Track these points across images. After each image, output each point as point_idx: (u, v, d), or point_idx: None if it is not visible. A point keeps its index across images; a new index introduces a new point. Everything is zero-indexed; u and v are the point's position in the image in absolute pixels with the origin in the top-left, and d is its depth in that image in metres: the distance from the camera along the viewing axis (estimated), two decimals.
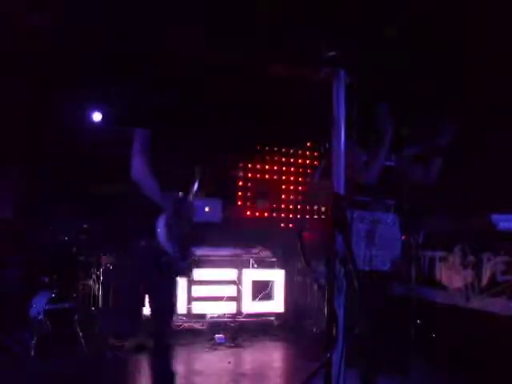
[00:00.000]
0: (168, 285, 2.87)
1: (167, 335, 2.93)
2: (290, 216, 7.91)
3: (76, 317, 4.76)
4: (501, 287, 4.53)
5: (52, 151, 5.96)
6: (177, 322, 5.60)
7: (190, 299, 5.75)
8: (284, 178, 7.98)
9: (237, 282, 6.00)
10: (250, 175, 7.72)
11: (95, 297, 5.29)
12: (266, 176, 7.85)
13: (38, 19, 4.37)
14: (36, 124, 5.89)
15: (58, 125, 6.05)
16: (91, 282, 5.28)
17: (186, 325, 5.77)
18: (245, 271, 6.08)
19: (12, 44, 4.79)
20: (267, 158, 7.83)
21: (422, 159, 3.46)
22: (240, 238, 6.43)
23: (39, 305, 4.66)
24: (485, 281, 4.66)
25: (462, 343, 4.38)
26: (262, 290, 6.13)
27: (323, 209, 7.66)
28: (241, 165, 7.62)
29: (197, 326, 5.83)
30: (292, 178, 8.03)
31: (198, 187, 2.96)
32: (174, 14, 4.30)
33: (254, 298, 6.08)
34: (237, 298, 5.99)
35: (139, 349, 4.90)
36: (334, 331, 2.01)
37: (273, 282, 6.19)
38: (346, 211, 2.23)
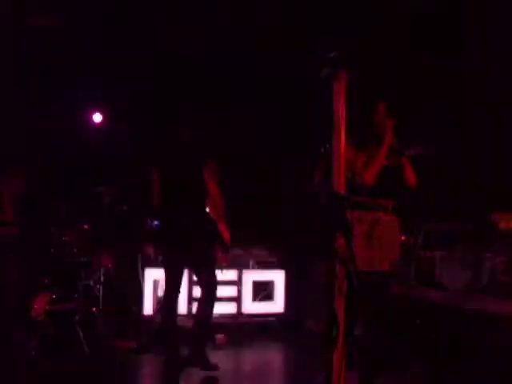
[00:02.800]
0: None
1: None
2: None
3: (77, 317, 4.76)
4: (501, 287, 4.53)
5: (52, 151, 5.96)
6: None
7: (191, 299, 5.74)
8: None
9: (237, 283, 5.99)
10: None
11: (96, 297, 5.28)
12: None
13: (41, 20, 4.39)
14: (36, 124, 5.90)
15: (58, 125, 6.05)
16: (92, 283, 5.28)
17: (186, 325, 5.75)
18: (245, 272, 6.08)
19: (12, 44, 4.79)
20: None
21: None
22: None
23: (40, 305, 4.66)
24: (485, 281, 4.66)
25: (461, 343, 4.38)
26: (262, 291, 6.12)
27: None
28: None
29: None
30: None
31: None
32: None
33: (255, 298, 6.07)
34: (237, 299, 5.98)
35: (140, 349, 4.91)
36: (334, 331, 2.01)
37: (273, 282, 6.18)
38: (346, 211, 2.23)
